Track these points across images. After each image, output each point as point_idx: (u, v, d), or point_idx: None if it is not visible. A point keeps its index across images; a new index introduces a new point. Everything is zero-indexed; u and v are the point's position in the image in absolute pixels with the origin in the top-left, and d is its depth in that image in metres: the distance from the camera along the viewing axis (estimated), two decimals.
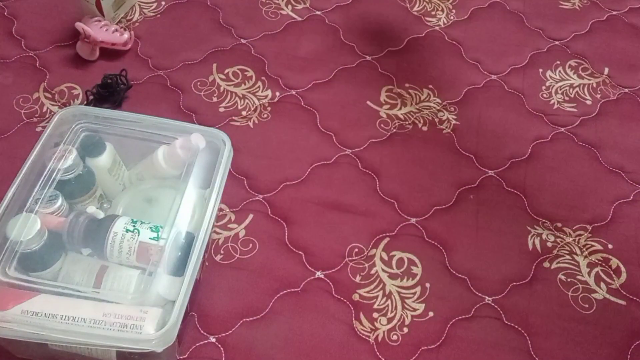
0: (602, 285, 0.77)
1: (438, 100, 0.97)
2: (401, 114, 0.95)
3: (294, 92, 0.97)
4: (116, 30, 1.01)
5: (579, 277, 0.78)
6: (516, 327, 0.74)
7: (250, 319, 0.73)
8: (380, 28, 1.09)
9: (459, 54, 1.05)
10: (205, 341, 0.71)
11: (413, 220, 0.83)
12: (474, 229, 0.82)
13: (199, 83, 0.98)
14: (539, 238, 0.82)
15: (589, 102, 0.99)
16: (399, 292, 0.76)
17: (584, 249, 0.80)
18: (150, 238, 0.63)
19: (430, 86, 0.99)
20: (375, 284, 0.77)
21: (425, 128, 0.93)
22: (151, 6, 1.10)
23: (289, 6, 1.11)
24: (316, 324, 0.73)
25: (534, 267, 0.79)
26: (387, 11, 1.12)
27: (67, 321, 0.58)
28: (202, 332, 0.72)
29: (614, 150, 0.92)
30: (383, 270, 0.78)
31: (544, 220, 0.84)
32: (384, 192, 0.85)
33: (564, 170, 0.89)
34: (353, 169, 0.88)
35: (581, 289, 0.77)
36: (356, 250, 0.80)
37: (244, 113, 0.94)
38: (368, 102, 0.97)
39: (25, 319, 0.57)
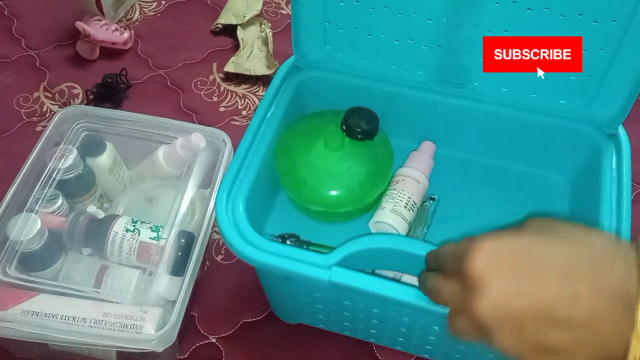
0: None
1: None
2: None
3: None
4: (116, 29, 1.01)
5: None
6: None
7: (250, 319, 0.73)
8: None
9: None
10: (205, 341, 0.71)
11: None
12: None
13: (199, 82, 0.98)
14: None
15: None
16: None
17: None
18: (150, 238, 0.63)
19: None
20: None
21: None
22: (151, 5, 1.10)
23: (289, 6, 1.11)
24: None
25: None
26: None
27: (67, 321, 0.58)
28: (202, 332, 0.72)
29: None
30: None
31: None
32: None
33: None
34: None
35: None
36: None
37: (244, 113, 0.94)
38: None
39: (26, 319, 0.57)
